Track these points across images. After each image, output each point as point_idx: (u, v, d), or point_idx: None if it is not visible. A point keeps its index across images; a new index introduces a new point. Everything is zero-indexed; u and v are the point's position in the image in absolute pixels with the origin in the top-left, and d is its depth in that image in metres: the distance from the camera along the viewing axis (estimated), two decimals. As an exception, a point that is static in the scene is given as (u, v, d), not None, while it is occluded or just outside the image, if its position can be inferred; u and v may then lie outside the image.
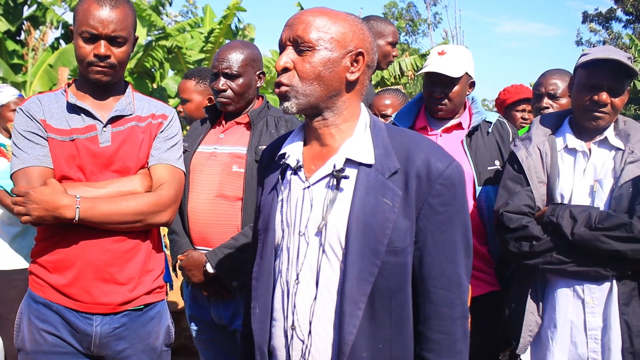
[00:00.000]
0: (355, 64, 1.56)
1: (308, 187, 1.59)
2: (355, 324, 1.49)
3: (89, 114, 2.20)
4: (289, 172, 1.65)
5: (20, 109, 2.19)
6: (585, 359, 2.32)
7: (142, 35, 12.81)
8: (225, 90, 2.71)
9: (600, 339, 2.30)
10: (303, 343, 1.56)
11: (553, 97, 3.14)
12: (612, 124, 2.41)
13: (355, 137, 1.58)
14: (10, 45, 12.89)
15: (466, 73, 2.74)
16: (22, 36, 13.78)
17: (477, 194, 2.71)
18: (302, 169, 1.62)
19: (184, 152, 2.71)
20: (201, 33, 13.47)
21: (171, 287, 3.60)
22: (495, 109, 4.28)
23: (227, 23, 12.07)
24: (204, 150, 2.76)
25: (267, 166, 1.76)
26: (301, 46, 1.52)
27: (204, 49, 12.31)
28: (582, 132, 2.43)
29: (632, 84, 2.47)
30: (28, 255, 2.32)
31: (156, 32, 13.14)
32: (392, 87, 3.76)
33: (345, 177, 1.54)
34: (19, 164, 2.13)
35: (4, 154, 3.49)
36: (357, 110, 1.62)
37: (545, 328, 2.41)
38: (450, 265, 1.54)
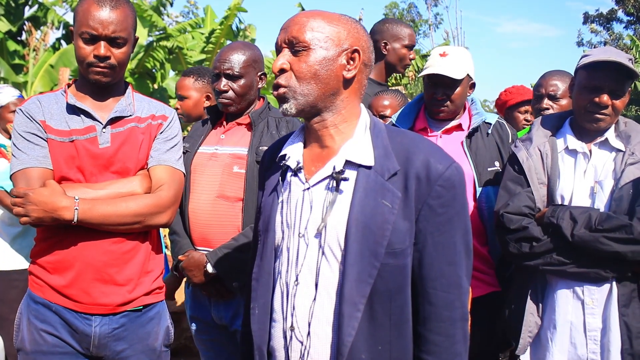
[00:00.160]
0: (351, 62, 1.56)
1: (308, 188, 1.59)
2: (354, 326, 1.49)
3: (88, 115, 2.20)
4: (289, 174, 1.65)
5: (20, 109, 2.19)
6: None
7: (143, 35, 12.81)
8: (226, 91, 2.71)
9: (599, 340, 2.30)
10: (302, 344, 1.56)
11: (553, 98, 3.14)
12: (613, 126, 2.41)
13: (355, 139, 1.58)
14: (12, 45, 12.90)
15: (467, 74, 2.74)
16: (23, 36, 13.79)
17: (478, 195, 2.71)
18: (302, 170, 1.62)
19: (185, 153, 2.71)
20: (202, 34, 13.47)
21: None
22: (496, 110, 4.28)
23: (228, 24, 12.07)
24: (205, 151, 2.76)
25: (268, 167, 1.76)
26: (296, 47, 1.54)
27: (205, 49, 12.31)
28: (582, 133, 2.43)
29: (633, 85, 2.47)
30: (28, 256, 2.32)
31: (157, 33, 13.14)
32: (392, 87, 3.75)
33: (345, 179, 1.54)
34: (18, 165, 2.13)
35: (4, 155, 3.49)
36: (356, 111, 1.62)
37: (545, 329, 2.41)
38: (450, 266, 1.54)
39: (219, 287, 2.66)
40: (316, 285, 1.55)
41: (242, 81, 2.72)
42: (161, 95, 11.95)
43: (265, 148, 2.29)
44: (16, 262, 3.50)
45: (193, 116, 3.63)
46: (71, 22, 2.19)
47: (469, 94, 2.84)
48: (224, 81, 2.72)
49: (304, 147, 1.66)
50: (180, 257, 2.70)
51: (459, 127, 2.82)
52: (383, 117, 3.37)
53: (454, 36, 29.62)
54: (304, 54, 1.54)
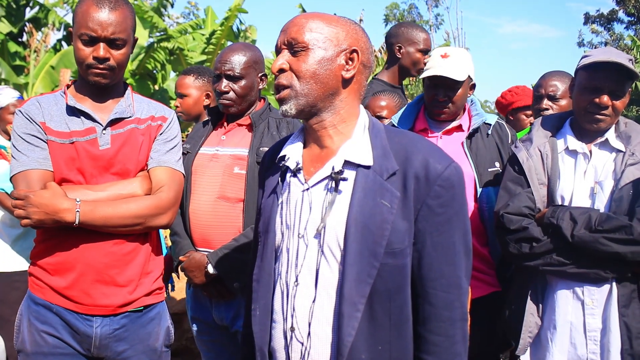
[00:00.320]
0: (350, 62, 1.57)
1: (307, 189, 1.60)
2: (354, 326, 1.49)
3: (88, 116, 2.20)
4: (288, 175, 1.65)
5: (20, 111, 2.18)
6: (585, 360, 2.33)
7: (144, 36, 12.83)
8: (227, 92, 2.72)
9: (599, 341, 2.30)
10: (302, 345, 1.56)
11: (553, 98, 3.15)
12: (613, 126, 2.41)
13: (353, 139, 1.58)
14: (13, 47, 12.92)
15: (468, 75, 2.74)
16: (24, 38, 13.82)
17: (479, 196, 2.71)
18: (301, 171, 1.62)
19: (186, 154, 2.72)
20: (203, 35, 13.48)
21: (172, 288, 3.61)
22: (496, 110, 4.27)
23: (228, 25, 12.08)
24: (206, 152, 2.77)
25: (268, 168, 1.77)
26: (295, 47, 1.55)
27: (206, 50, 12.33)
28: (582, 133, 2.43)
29: (634, 85, 2.47)
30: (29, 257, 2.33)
31: (158, 34, 13.16)
32: (389, 88, 3.75)
33: (344, 179, 1.55)
34: (18, 167, 2.12)
35: (4, 157, 3.49)
36: (355, 111, 1.62)
37: (545, 329, 2.41)
38: (449, 267, 1.54)
39: (220, 287, 2.67)
40: (316, 285, 1.55)
41: (243, 82, 2.72)
42: (162, 97, 11.96)
43: (266, 149, 2.29)
44: (17, 263, 3.50)
45: (192, 114, 3.64)
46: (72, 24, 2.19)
47: (469, 95, 2.84)
48: (224, 82, 2.72)
49: (304, 147, 1.67)
50: (181, 257, 2.71)
51: (459, 128, 2.82)
52: (379, 117, 3.37)
53: (455, 37, 29.64)
54: (303, 54, 1.55)
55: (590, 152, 2.40)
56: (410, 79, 12.66)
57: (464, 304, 1.57)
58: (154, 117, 2.31)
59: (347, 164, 1.56)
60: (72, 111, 2.20)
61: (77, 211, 2.04)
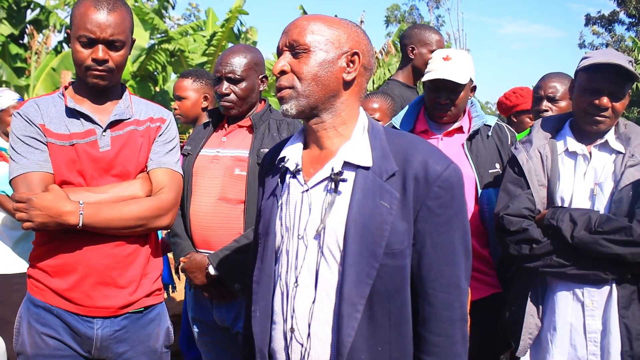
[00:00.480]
0: (351, 65, 1.58)
1: (307, 190, 1.60)
2: (353, 326, 1.50)
3: (88, 118, 2.19)
4: (288, 176, 1.66)
5: (18, 113, 2.16)
6: (585, 361, 2.33)
7: (145, 38, 12.84)
8: (228, 94, 2.72)
9: (599, 342, 2.30)
10: (302, 346, 1.56)
11: (552, 100, 3.15)
12: (613, 128, 2.41)
13: (353, 140, 1.59)
14: (14, 48, 12.94)
15: (470, 78, 2.74)
16: (25, 40, 13.85)
17: (479, 197, 2.72)
18: (300, 172, 1.63)
19: (187, 156, 2.72)
20: (204, 36, 13.51)
21: (174, 289, 3.61)
22: (498, 111, 4.27)
23: (229, 26, 12.11)
24: (207, 154, 2.77)
25: (268, 170, 1.77)
26: (297, 49, 1.56)
27: (207, 52, 12.35)
28: (582, 135, 2.43)
29: (635, 86, 2.47)
30: (30, 259, 2.33)
31: (159, 36, 13.18)
32: (381, 90, 3.78)
33: (344, 180, 1.55)
34: (18, 170, 2.10)
35: (5, 159, 3.49)
36: (355, 113, 1.63)
37: (545, 331, 2.41)
38: (449, 267, 1.54)
39: (220, 289, 2.67)
40: (315, 286, 1.55)
41: (243, 84, 2.72)
42: (163, 98, 11.98)
43: (267, 150, 2.30)
44: (18, 265, 3.49)
45: (190, 117, 3.65)
46: (73, 25, 2.18)
47: (470, 97, 2.85)
48: (225, 84, 2.72)
49: (304, 149, 1.67)
50: (181, 259, 2.71)
51: (459, 130, 2.82)
52: None
53: (456, 38, 29.64)
54: (304, 56, 1.55)
55: (590, 153, 2.40)
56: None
57: (464, 304, 1.57)
58: (153, 119, 2.31)
59: (347, 165, 1.56)
60: (72, 113, 2.19)
61: (81, 213, 2.04)
